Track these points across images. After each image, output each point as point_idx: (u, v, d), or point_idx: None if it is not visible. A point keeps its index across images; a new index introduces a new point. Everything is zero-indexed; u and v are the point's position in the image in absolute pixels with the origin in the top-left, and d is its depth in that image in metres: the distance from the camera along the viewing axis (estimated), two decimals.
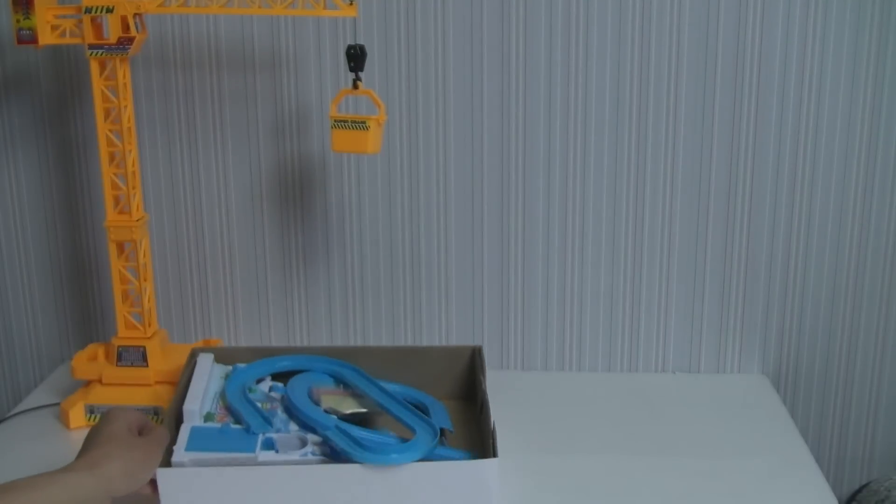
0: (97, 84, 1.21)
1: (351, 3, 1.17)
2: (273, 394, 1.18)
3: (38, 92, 1.40)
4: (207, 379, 1.17)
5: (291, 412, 1.13)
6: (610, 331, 1.44)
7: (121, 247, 1.28)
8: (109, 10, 1.18)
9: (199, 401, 1.12)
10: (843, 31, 1.30)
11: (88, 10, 1.18)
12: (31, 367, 1.53)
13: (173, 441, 1.06)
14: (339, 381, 1.22)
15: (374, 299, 1.44)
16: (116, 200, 1.26)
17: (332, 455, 1.06)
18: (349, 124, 1.20)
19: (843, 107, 1.32)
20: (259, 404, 1.14)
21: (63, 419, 1.30)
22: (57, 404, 1.33)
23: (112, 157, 1.24)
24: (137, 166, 1.27)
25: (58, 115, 1.41)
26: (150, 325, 1.31)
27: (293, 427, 1.11)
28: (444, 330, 1.44)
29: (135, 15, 1.18)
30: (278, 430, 1.09)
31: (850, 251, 1.38)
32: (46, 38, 1.19)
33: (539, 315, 1.43)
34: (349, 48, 1.21)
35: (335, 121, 1.21)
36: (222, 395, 1.17)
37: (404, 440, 1.07)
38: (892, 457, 1.48)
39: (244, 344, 1.47)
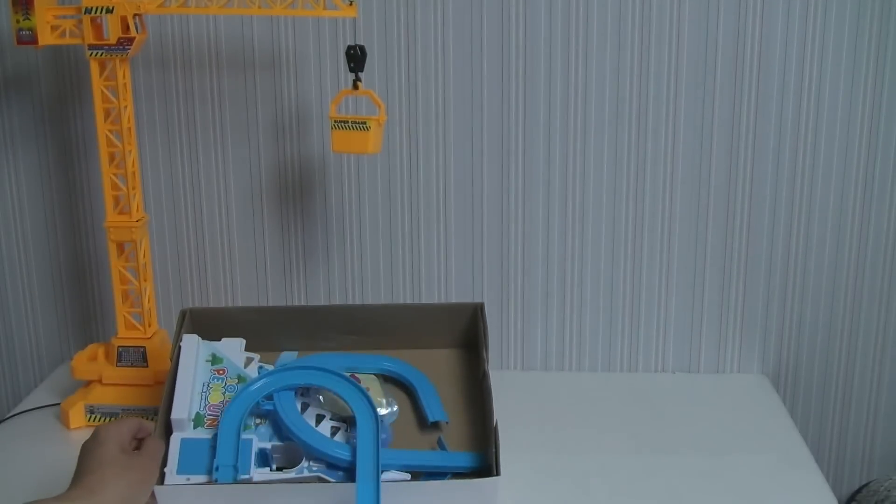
0: (97, 84, 1.21)
1: (351, 3, 1.17)
2: (262, 408, 1.17)
3: (38, 92, 1.40)
4: (193, 372, 1.13)
5: (280, 427, 1.10)
6: (610, 331, 1.44)
7: (121, 247, 1.28)
8: (109, 11, 1.18)
9: (187, 406, 1.09)
10: (843, 31, 1.30)
11: (88, 11, 1.18)
12: (31, 367, 1.53)
13: (165, 454, 1.05)
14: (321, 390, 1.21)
15: (374, 299, 1.44)
16: (116, 201, 1.26)
17: (329, 468, 1.05)
18: (350, 125, 1.20)
19: (843, 106, 1.32)
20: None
21: (63, 419, 1.30)
22: (57, 404, 1.33)
23: (112, 158, 1.24)
24: (137, 166, 1.27)
25: (58, 115, 1.41)
26: (150, 326, 1.31)
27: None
28: None
29: (135, 15, 1.18)
30: (270, 440, 1.09)
31: (850, 251, 1.38)
32: (46, 38, 1.19)
33: (539, 315, 1.43)
34: (349, 48, 1.21)
35: (335, 121, 1.21)
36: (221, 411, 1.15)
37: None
38: (892, 457, 1.48)
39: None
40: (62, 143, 1.42)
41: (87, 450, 0.96)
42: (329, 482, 1.03)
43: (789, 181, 1.36)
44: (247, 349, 1.20)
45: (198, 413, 1.11)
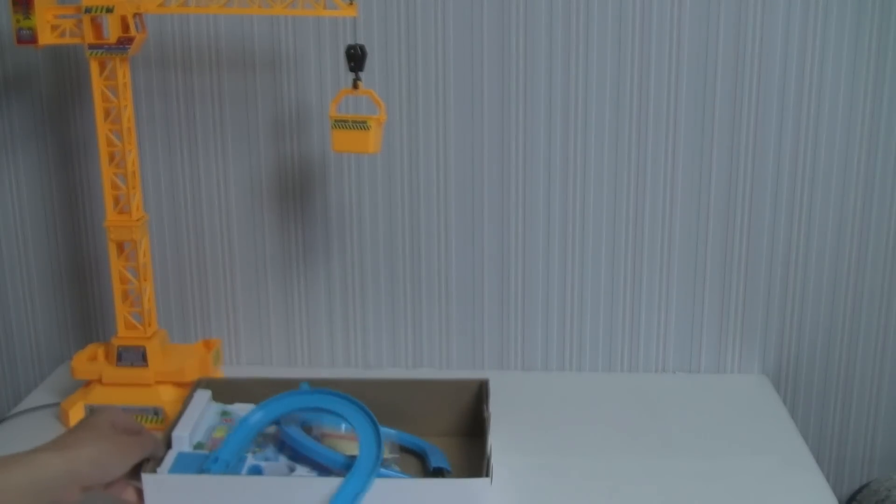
0: (97, 84, 1.21)
1: (351, 3, 1.17)
2: (268, 428, 1.17)
3: (38, 92, 1.40)
4: (201, 413, 1.16)
5: (286, 446, 1.11)
6: (610, 331, 1.44)
7: (121, 247, 1.28)
8: (109, 10, 1.17)
9: (190, 429, 1.11)
10: (844, 32, 1.30)
11: (88, 10, 1.18)
12: (31, 367, 1.53)
13: (157, 463, 1.06)
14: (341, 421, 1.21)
15: (374, 298, 1.44)
16: (116, 200, 1.26)
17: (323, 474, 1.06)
18: (350, 124, 1.20)
19: (843, 107, 1.32)
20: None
21: (63, 419, 1.30)
22: (57, 404, 1.33)
23: (112, 157, 1.24)
24: (137, 166, 1.27)
25: (58, 115, 1.41)
26: (149, 325, 1.31)
27: (283, 459, 1.10)
28: (444, 329, 1.44)
29: (135, 15, 1.18)
30: (267, 459, 1.09)
31: (850, 251, 1.38)
32: (46, 38, 1.19)
33: (539, 315, 1.43)
34: (349, 48, 1.20)
35: (335, 121, 1.21)
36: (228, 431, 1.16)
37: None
38: (892, 457, 1.48)
39: (244, 343, 1.47)
40: (62, 142, 1.42)
41: (81, 419, 1.00)
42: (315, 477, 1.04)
43: (790, 181, 1.36)
44: None
45: (199, 441, 1.12)
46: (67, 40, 1.20)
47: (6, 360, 1.53)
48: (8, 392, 1.54)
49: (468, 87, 1.34)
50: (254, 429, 1.11)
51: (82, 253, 1.47)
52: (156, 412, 1.28)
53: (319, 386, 1.20)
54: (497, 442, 1.13)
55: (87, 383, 1.32)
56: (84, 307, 1.49)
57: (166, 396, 1.29)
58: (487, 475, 1.02)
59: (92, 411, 1.01)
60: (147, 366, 1.30)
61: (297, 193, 1.41)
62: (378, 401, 1.24)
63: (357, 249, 1.42)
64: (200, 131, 1.39)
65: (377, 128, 1.21)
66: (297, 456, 1.09)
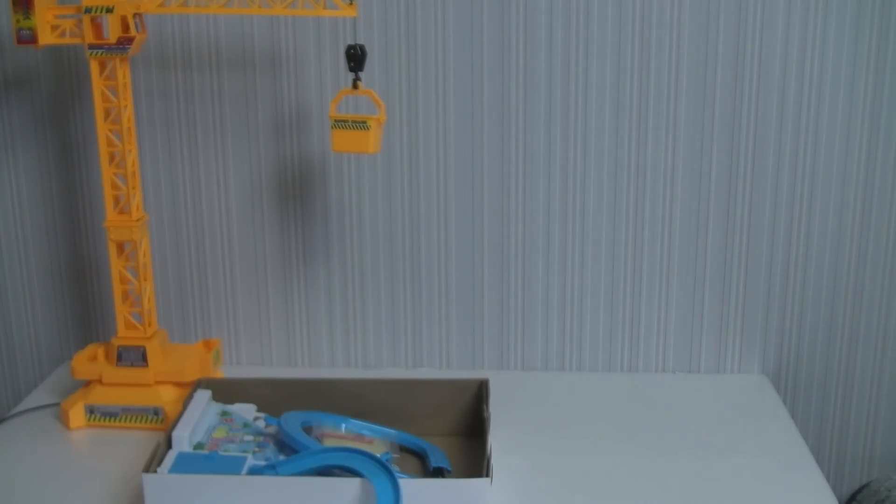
0: (97, 84, 1.21)
1: (351, 3, 1.17)
2: (268, 428, 1.18)
3: (38, 92, 1.40)
4: (201, 413, 1.16)
5: (286, 446, 1.12)
6: (610, 331, 1.44)
7: (121, 247, 1.28)
8: (109, 10, 1.18)
9: (190, 429, 1.11)
10: (844, 32, 1.30)
11: (88, 10, 1.18)
12: (31, 367, 1.53)
13: (158, 463, 1.06)
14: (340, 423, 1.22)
15: (374, 298, 1.44)
16: (116, 200, 1.26)
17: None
18: (350, 124, 1.20)
19: (843, 107, 1.32)
20: (251, 437, 1.15)
21: (63, 419, 1.30)
22: (57, 404, 1.33)
23: (112, 157, 1.24)
24: (137, 166, 1.27)
25: (58, 115, 1.41)
26: (150, 325, 1.31)
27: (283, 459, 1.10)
28: (444, 330, 1.44)
29: (134, 15, 1.18)
30: (267, 459, 1.09)
31: (850, 251, 1.38)
32: (46, 38, 1.19)
33: (539, 315, 1.43)
34: (349, 48, 1.21)
35: (335, 121, 1.21)
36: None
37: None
38: (892, 457, 1.48)
39: (244, 344, 1.47)
40: (62, 142, 1.42)
41: None
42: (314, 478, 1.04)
43: (790, 181, 1.36)
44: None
45: (199, 442, 1.12)
46: (67, 40, 1.20)
47: (6, 360, 1.53)
48: (8, 392, 1.54)
49: (468, 87, 1.35)
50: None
51: (82, 253, 1.47)
52: (156, 412, 1.28)
53: (320, 386, 1.21)
54: (497, 442, 1.14)
55: (87, 383, 1.32)
56: (84, 307, 1.49)
57: (166, 396, 1.29)
58: (487, 475, 1.02)
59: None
60: (147, 366, 1.30)
61: (297, 193, 1.41)
62: (378, 401, 1.24)
63: (357, 249, 1.42)
64: (200, 131, 1.39)
65: (377, 128, 1.21)
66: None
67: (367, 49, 1.22)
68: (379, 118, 1.21)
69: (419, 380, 1.28)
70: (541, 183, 1.37)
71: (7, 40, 1.39)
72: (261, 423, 1.19)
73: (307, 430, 1.16)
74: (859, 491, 1.46)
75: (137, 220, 1.26)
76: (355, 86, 1.22)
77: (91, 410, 1.29)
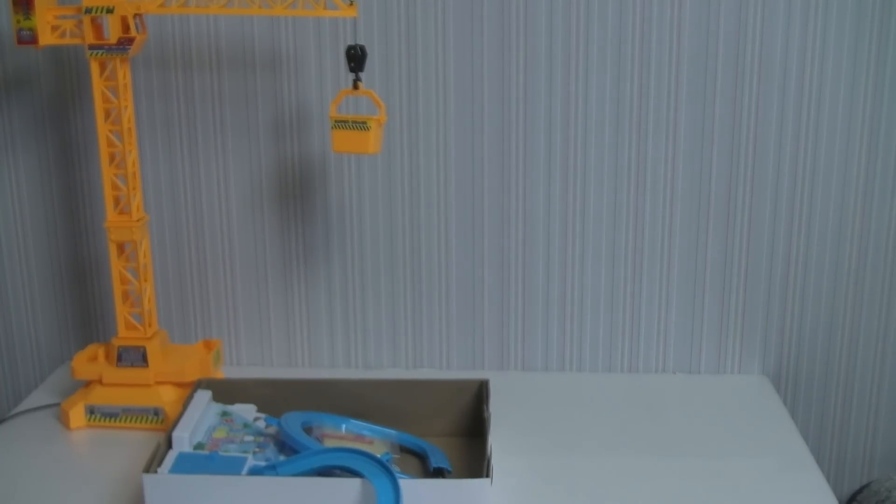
0: (97, 84, 1.21)
1: (351, 3, 1.17)
2: (268, 428, 1.18)
3: (38, 92, 1.40)
4: (202, 413, 1.17)
5: (286, 446, 1.12)
6: (610, 331, 1.44)
7: (121, 247, 1.28)
8: (109, 11, 1.18)
9: (190, 430, 1.12)
10: (844, 32, 1.30)
11: (88, 11, 1.18)
12: (31, 367, 1.53)
13: (158, 463, 1.06)
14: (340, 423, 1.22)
15: (374, 299, 1.44)
16: (116, 201, 1.26)
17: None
18: (350, 125, 1.20)
19: (844, 108, 1.32)
20: (252, 438, 1.15)
21: (63, 419, 1.30)
22: (57, 404, 1.33)
23: (112, 158, 1.24)
24: (137, 167, 1.27)
25: (58, 115, 1.41)
26: (150, 326, 1.31)
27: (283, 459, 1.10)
28: (444, 330, 1.45)
29: (135, 15, 1.18)
30: (267, 459, 1.09)
31: (850, 251, 1.38)
32: (47, 38, 1.19)
33: (539, 315, 1.43)
34: (349, 48, 1.21)
35: (336, 121, 1.21)
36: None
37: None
38: (892, 457, 1.48)
39: (244, 344, 1.47)
40: (62, 143, 1.42)
41: None
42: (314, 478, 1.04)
43: (790, 182, 1.36)
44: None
45: (199, 442, 1.12)
46: (68, 41, 1.20)
47: (6, 360, 1.54)
48: (8, 392, 1.54)
49: (468, 88, 1.35)
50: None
51: (82, 253, 1.47)
52: (156, 412, 1.28)
53: (320, 386, 1.21)
54: (497, 442, 1.14)
55: (88, 384, 1.32)
56: (84, 307, 1.49)
57: (166, 397, 1.29)
58: (487, 475, 1.03)
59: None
60: (147, 366, 1.30)
61: (297, 193, 1.41)
62: (378, 401, 1.24)
63: (357, 249, 1.42)
64: (200, 131, 1.39)
65: (377, 128, 1.21)
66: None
67: (368, 49, 1.22)
68: (379, 119, 1.21)
69: (419, 380, 1.28)
70: (541, 183, 1.38)
71: (7, 41, 1.39)
72: (261, 424, 1.19)
73: (307, 430, 1.16)
74: (859, 491, 1.46)
75: (138, 221, 1.26)
76: (355, 86, 1.22)
77: (91, 411, 1.29)
